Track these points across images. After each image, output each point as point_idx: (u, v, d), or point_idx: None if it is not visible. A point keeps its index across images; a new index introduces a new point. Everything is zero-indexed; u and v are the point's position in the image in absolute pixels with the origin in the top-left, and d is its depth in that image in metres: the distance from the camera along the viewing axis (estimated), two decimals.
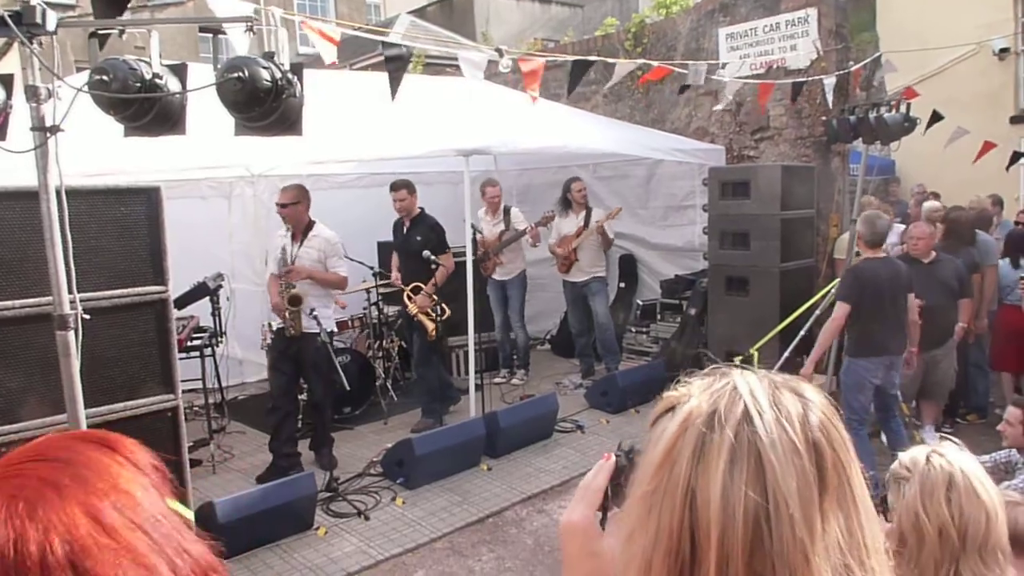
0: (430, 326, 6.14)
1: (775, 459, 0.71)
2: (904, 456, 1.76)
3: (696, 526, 0.72)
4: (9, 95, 2.83)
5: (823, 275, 6.99)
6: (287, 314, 5.36)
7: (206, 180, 7.41)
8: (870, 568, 0.73)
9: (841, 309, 4.96)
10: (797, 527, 0.70)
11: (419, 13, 20.28)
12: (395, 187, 6.35)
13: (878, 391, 5.16)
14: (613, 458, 1.02)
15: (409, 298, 6.31)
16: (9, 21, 2.47)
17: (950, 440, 1.79)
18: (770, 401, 0.75)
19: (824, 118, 6.84)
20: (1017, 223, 7.27)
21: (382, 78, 4.06)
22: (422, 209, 6.46)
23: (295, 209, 5.46)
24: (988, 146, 6.91)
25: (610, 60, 6.26)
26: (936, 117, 6.46)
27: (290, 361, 5.53)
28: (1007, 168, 7.25)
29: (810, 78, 6.79)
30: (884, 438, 5.47)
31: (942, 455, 1.68)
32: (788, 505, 0.70)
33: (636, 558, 0.76)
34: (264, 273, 6.27)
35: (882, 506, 1.73)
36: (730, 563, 0.70)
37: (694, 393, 0.79)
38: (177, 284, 4.16)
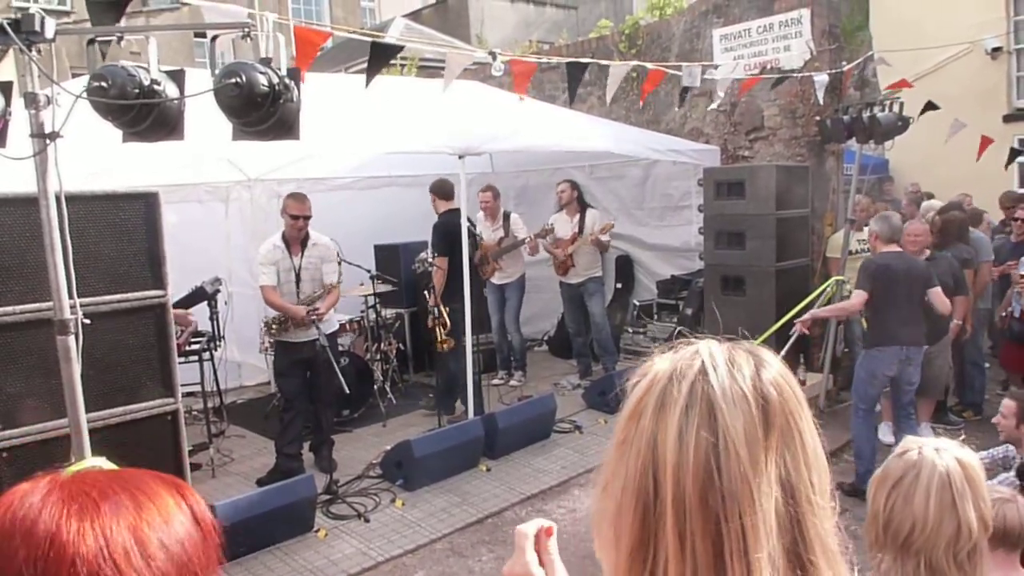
0: (445, 340, 6.19)
1: (724, 404, 0.79)
2: (909, 440, 1.79)
3: (657, 467, 0.79)
4: (8, 102, 2.84)
5: (818, 274, 7.02)
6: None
7: (203, 184, 7.43)
8: (815, 503, 0.81)
9: (858, 296, 5.08)
10: (743, 464, 0.77)
11: (414, 16, 20.31)
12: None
13: (895, 385, 5.21)
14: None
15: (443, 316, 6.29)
16: (8, 29, 2.49)
17: (947, 437, 1.80)
18: (726, 359, 0.83)
19: (818, 118, 6.88)
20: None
21: (376, 81, 4.08)
22: (448, 211, 6.55)
23: (308, 221, 5.43)
24: (987, 142, 6.94)
25: (604, 62, 6.28)
26: (930, 107, 6.49)
27: (302, 365, 5.55)
28: (1005, 167, 7.29)
29: (800, 75, 6.82)
30: (893, 439, 5.47)
31: (936, 452, 1.69)
32: (735, 445, 0.77)
33: (610, 504, 0.84)
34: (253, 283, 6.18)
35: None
36: (685, 497, 0.77)
37: (663, 359, 0.88)
38: (175, 288, 4.17)
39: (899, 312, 5.02)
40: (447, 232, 6.37)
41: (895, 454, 1.75)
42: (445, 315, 6.17)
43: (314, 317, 5.31)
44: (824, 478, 0.83)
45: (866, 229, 7.03)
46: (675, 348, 0.89)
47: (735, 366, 0.82)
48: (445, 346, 6.17)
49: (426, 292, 6.27)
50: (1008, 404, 4.14)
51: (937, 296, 5.16)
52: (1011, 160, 7.10)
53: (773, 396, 0.81)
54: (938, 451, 1.69)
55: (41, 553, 0.62)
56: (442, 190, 6.61)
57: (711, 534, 0.77)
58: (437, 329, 6.16)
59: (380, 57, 3.97)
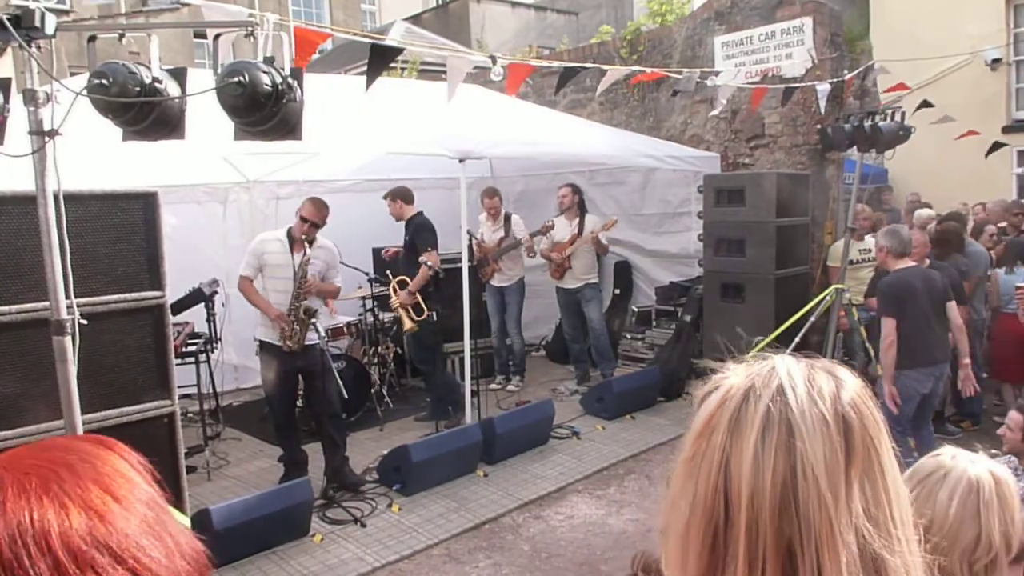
0: (407, 323, 6.20)
1: (804, 429, 0.76)
2: (948, 447, 1.77)
3: (729, 489, 0.77)
4: (7, 99, 2.81)
5: (818, 282, 7.01)
6: (297, 327, 5.18)
7: (202, 186, 7.40)
8: (896, 537, 0.77)
9: (887, 325, 4.91)
10: (823, 493, 0.74)
11: (414, 20, 20.32)
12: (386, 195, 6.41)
13: (926, 399, 5.15)
14: None
15: (395, 291, 6.33)
16: (8, 25, 2.46)
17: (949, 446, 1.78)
18: (805, 378, 0.80)
19: (819, 126, 6.88)
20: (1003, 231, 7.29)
21: (377, 83, 4.07)
22: (419, 213, 6.48)
23: (317, 229, 5.31)
24: (970, 134, 6.95)
25: (605, 67, 6.28)
26: (925, 104, 6.49)
27: (294, 376, 5.39)
28: (986, 155, 7.28)
29: (803, 84, 6.83)
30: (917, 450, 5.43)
31: (972, 461, 1.65)
32: (815, 472, 0.74)
33: (677, 522, 0.81)
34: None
35: None
36: (759, 524, 0.74)
37: (736, 373, 0.85)
38: (172, 290, 4.14)
39: (931, 331, 4.92)
40: (433, 229, 6.40)
41: (930, 455, 1.73)
42: (420, 299, 6.22)
43: (290, 320, 5.18)
44: (905, 507, 0.80)
45: (867, 238, 7.05)
46: (749, 362, 0.86)
47: (814, 387, 0.79)
48: (409, 328, 6.22)
49: (394, 288, 6.30)
50: (1015, 417, 4.11)
51: (953, 310, 5.14)
52: (992, 150, 7.09)
53: (854, 420, 0.78)
54: (974, 461, 1.66)
55: (28, 540, 0.61)
56: (408, 195, 6.59)
57: (784, 566, 0.74)
58: (406, 310, 6.20)
59: (380, 59, 3.95)
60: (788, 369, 0.82)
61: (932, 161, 7.93)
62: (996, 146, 7.10)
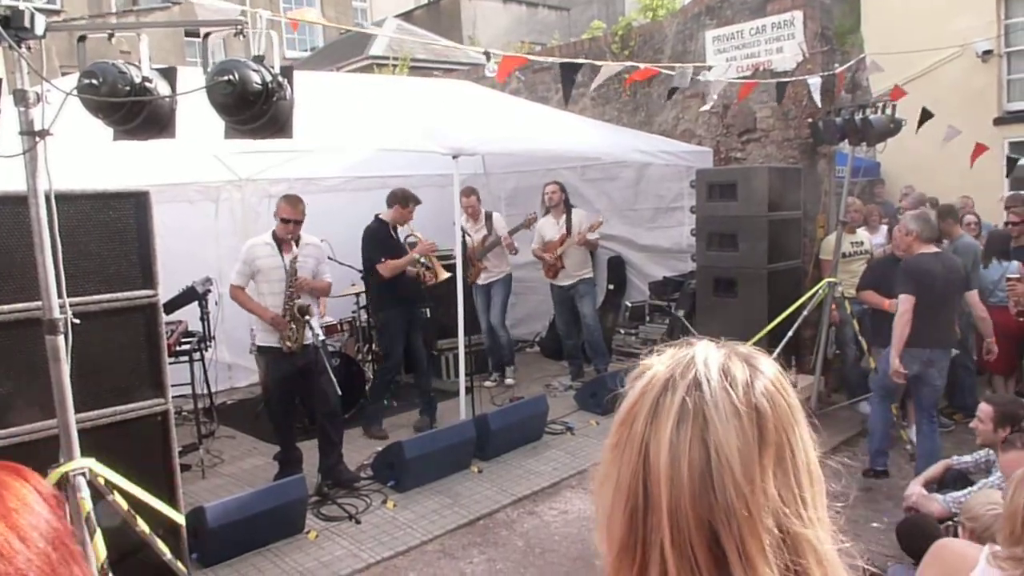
0: (441, 273, 6.35)
1: (717, 420, 0.79)
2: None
3: (648, 476, 0.80)
4: None
5: (810, 276, 7.04)
6: (294, 327, 5.18)
7: (194, 184, 7.39)
8: (807, 519, 0.81)
9: (907, 302, 4.94)
10: (738, 480, 0.78)
11: (406, 16, 20.28)
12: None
13: (916, 386, 5.20)
14: None
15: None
16: None
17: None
18: (720, 368, 0.83)
19: (810, 120, 6.90)
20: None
21: (369, 80, 4.07)
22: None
23: (299, 225, 5.29)
24: (980, 149, 6.97)
25: (598, 63, 6.29)
26: (926, 115, 6.51)
27: (295, 376, 5.32)
28: (1007, 176, 7.32)
29: (795, 78, 6.84)
30: (913, 442, 5.46)
31: None
32: (729, 460, 0.78)
33: (603, 506, 0.85)
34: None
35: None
36: (679, 509, 0.78)
37: (660, 361, 0.88)
38: (165, 288, 4.13)
39: (930, 315, 4.95)
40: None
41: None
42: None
43: (286, 321, 5.19)
44: (817, 490, 0.84)
45: (859, 231, 7.08)
46: (674, 347, 0.90)
47: (728, 377, 0.82)
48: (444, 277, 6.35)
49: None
50: (984, 408, 4.18)
51: (974, 298, 5.16)
52: (1011, 170, 7.11)
53: (766, 409, 0.81)
54: None
55: None
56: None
57: (710, 545, 0.78)
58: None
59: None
60: (705, 358, 0.85)
61: (925, 154, 7.95)
62: (1012, 163, 7.08)
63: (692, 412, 0.80)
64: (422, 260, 6.39)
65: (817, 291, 6.31)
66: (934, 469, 4.46)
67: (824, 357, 6.70)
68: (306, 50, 21.58)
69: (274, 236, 5.30)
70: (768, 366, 0.86)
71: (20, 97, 2.65)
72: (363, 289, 7.18)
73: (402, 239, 6.52)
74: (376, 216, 6.37)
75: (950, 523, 3.83)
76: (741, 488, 0.77)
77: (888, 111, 6.03)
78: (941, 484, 4.37)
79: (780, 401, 0.83)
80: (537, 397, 6.50)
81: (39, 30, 2.59)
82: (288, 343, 5.20)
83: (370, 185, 8.08)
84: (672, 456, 0.79)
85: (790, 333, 6.16)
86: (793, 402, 0.85)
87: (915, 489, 4.25)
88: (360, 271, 6.97)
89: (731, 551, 0.77)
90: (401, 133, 6.05)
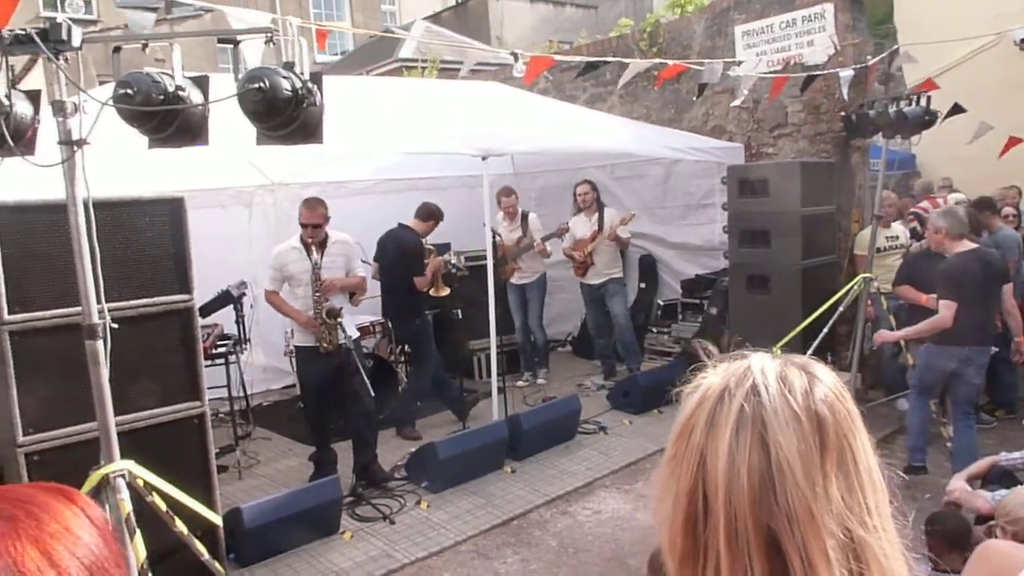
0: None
1: (777, 424, 0.79)
2: None
3: (706, 487, 0.81)
4: (37, 110, 2.88)
5: (845, 272, 6.94)
6: (325, 329, 5.25)
7: (227, 189, 7.49)
8: (871, 526, 0.81)
9: (948, 308, 4.85)
10: (800, 483, 0.77)
11: (434, 19, 20.37)
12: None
13: (957, 380, 5.10)
14: None
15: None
16: (36, 38, 2.52)
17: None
18: (777, 376, 0.83)
19: (843, 113, 6.80)
20: None
21: (398, 83, 4.10)
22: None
23: (319, 229, 5.36)
24: (1013, 141, 6.81)
25: (626, 60, 6.26)
26: (956, 109, 6.38)
27: (332, 375, 5.37)
28: (1000, 155, 7.12)
29: (825, 71, 6.75)
30: (951, 440, 5.34)
31: None
32: (791, 465, 0.78)
33: (664, 518, 0.86)
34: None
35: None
36: (738, 518, 0.78)
37: (713, 374, 0.88)
38: (200, 292, 4.20)
39: (969, 313, 4.86)
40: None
41: None
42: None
43: (318, 323, 5.26)
44: (881, 497, 0.83)
45: (894, 225, 6.96)
46: (728, 360, 0.90)
47: (787, 384, 0.82)
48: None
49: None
50: None
51: (1007, 291, 5.07)
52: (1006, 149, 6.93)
53: (826, 415, 0.81)
54: None
55: None
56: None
57: (768, 553, 0.78)
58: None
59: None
60: (762, 368, 0.85)
61: (962, 145, 7.77)
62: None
63: (751, 418, 0.80)
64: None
65: (852, 287, 6.21)
66: (979, 465, 4.36)
67: (860, 353, 6.59)
68: (336, 54, 21.79)
69: (302, 240, 5.37)
70: (826, 374, 0.86)
71: (59, 108, 2.71)
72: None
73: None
74: (402, 225, 6.43)
75: (990, 524, 3.74)
76: (803, 491, 0.77)
77: (923, 103, 5.91)
78: (985, 481, 4.27)
79: (840, 408, 0.83)
80: (569, 397, 6.49)
81: (76, 42, 2.65)
82: (324, 344, 5.27)
83: (399, 187, 8.13)
84: (730, 462, 0.79)
85: (825, 330, 6.07)
86: (852, 409, 0.85)
87: (958, 484, 4.15)
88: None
89: (793, 556, 0.77)
90: (430, 135, 6.08)
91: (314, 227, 5.30)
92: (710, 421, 0.83)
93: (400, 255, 6.36)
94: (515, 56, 5.20)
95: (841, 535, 0.78)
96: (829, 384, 0.84)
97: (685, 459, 0.83)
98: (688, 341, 7.67)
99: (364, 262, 6.03)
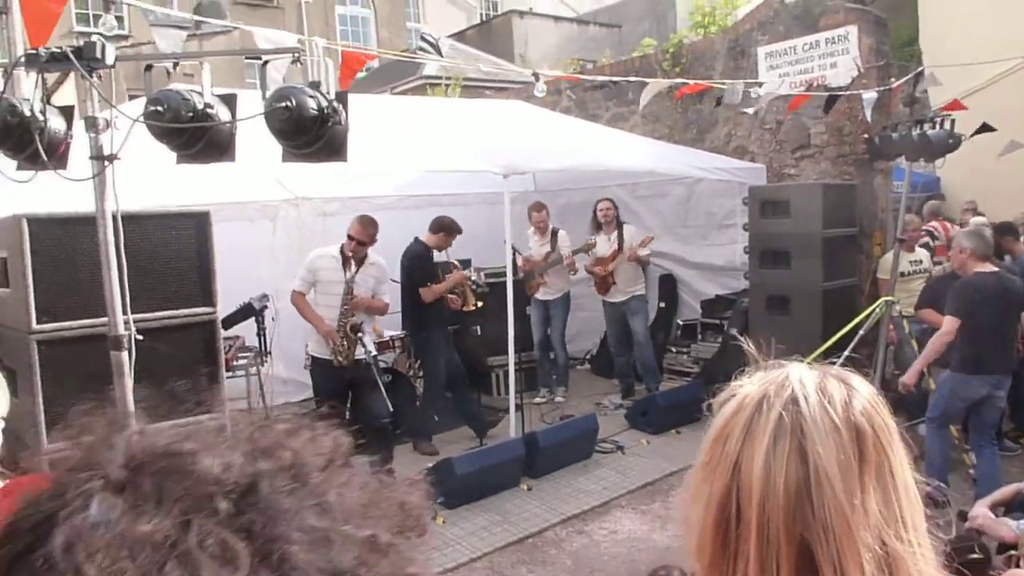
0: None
1: (816, 435, 0.79)
2: None
3: (740, 493, 0.80)
4: (70, 126, 2.95)
5: (867, 294, 6.88)
6: (345, 343, 5.32)
7: (252, 203, 7.59)
8: (907, 541, 0.80)
9: (951, 323, 4.82)
10: (838, 495, 0.77)
11: (458, 37, 20.56)
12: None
13: (986, 405, 5.04)
14: None
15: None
16: (72, 56, 2.59)
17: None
18: (816, 387, 0.83)
19: (866, 135, 6.77)
20: None
21: (422, 101, 4.15)
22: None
23: (364, 247, 5.42)
24: None
25: (649, 80, 6.29)
26: (985, 128, 6.32)
27: (345, 389, 5.45)
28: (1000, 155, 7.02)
29: (848, 92, 6.73)
30: (975, 466, 5.26)
31: None
32: (829, 476, 0.77)
33: (695, 521, 0.86)
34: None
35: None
36: (771, 526, 0.78)
37: (750, 382, 0.88)
38: (223, 305, 4.26)
39: (992, 338, 4.81)
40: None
41: None
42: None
43: (339, 336, 5.32)
44: (917, 512, 0.83)
45: (917, 249, 6.90)
46: (765, 369, 0.90)
47: (826, 395, 0.82)
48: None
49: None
50: None
51: None
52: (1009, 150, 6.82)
53: (866, 427, 0.81)
54: None
55: None
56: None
57: (797, 564, 0.78)
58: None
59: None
60: (801, 378, 0.84)
61: (986, 168, 7.70)
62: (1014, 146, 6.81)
63: (790, 427, 0.80)
64: (455, 289, 6.57)
65: (874, 309, 6.16)
66: (1003, 492, 4.28)
67: (882, 377, 6.52)
68: (362, 71, 22.03)
69: (342, 251, 5.45)
70: (863, 386, 0.86)
71: (91, 124, 2.78)
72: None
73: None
74: (417, 239, 6.48)
75: (1012, 553, 3.68)
76: (841, 503, 0.77)
77: (947, 126, 5.87)
78: (1008, 509, 4.20)
79: (878, 420, 0.83)
80: (587, 415, 6.48)
81: (110, 60, 2.72)
82: (339, 357, 5.31)
83: (420, 204, 8.19)
84: (767, 471, 0.79)
85: (847, 352, 6.01)
86: (890, 422, 0.85)
87: (981, 511, 4.09)
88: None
89: (826, 567, 0.76)
90: (452, 153, 6.13)
91: (359, 243, 5.40)
92: (747, 428, 0.82)
93: (403, 267, 6.44)
94: (536, 76, 5.25)
95: (877, 548, 0.77)
96: (867, 396, 0.84)
97: (720, 465, 0.84)
98: (732, 337, 7.61)
99: (393, 280, 6.08)
